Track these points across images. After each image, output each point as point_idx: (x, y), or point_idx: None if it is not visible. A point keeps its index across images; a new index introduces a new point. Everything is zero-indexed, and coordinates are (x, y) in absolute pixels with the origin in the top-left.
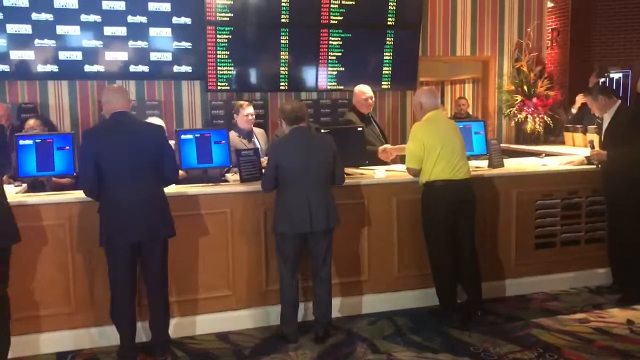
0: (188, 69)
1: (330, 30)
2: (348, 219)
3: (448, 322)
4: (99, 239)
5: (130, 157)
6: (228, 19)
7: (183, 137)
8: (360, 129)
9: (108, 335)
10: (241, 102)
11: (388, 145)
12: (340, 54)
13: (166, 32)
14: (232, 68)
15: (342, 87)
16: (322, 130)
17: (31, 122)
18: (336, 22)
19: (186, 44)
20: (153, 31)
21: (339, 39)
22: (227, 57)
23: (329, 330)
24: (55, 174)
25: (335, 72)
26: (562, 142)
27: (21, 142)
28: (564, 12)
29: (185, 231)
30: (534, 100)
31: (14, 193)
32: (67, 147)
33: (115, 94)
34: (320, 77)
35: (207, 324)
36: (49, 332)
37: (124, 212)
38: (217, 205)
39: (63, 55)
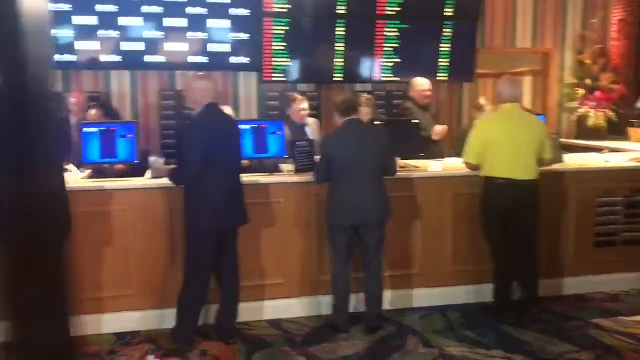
0: (245, 60)
1: (387, 22)
2: (401, 211)
3: (502, 319)
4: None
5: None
6: (285, 10)
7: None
8: (416, 121)
9: (165, 318)
10: (296, 95)
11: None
12: (396, 45)
13: (225, 23)
14: (288, 59)
15: (398, 79)
16: (376, 122)
17: (92, 112)
18: (393, 13)
19: (244, 36)
20: (212, 22)
21: (396, 30)
22: (283, 48)
23: (380, 322)
24: (118, 161)
25: (391, 64)
26: (627, 138)
27: (85, 129)
28: (632, 2)
29: None
30: (597, 94)
31: (80, 179)
32: (130, 135)
33: (203, 82)
34: (375, 68)
35: (260, 311)
36: (110, 313)
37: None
38: (271, 195)
39: (126, 45)
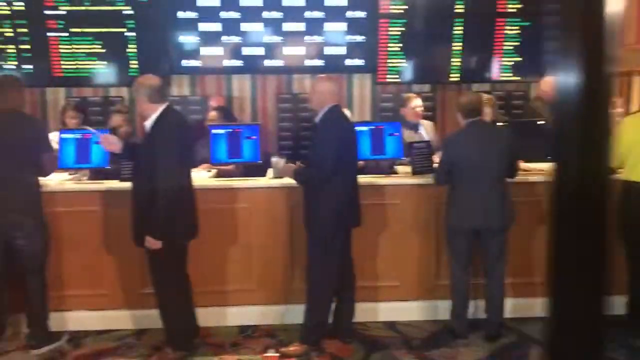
0: (360, 62)
1: (507, 19)
2: (524, 216)
3: (636, 332)
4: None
5: None
6: (402, 11)
7: (357, 129)
8: (541, 122)
9: (284, 314)
10: (408, 94)
11: None
12: (517, 43)
13: (341, 26)
14: (403, 60)
15: (518, 78)
16: (499, 123)
17: (212, 114)
18: (514, 10)
19: (359, 38)
20: (329, 25)
21: (517, 28)
22: (399, 49)
23: (501, 330)
24: (243, 161)
25: (511, 63)
26: None
27: (214, 131)
28: None
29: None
30: None
31: (207, 177)
32: (254, 137)
33: (328, 84)
34: (494, 68)
35: (375, 312)
36: (234, 306)
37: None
38: (388, 197)
39: (246, 50)
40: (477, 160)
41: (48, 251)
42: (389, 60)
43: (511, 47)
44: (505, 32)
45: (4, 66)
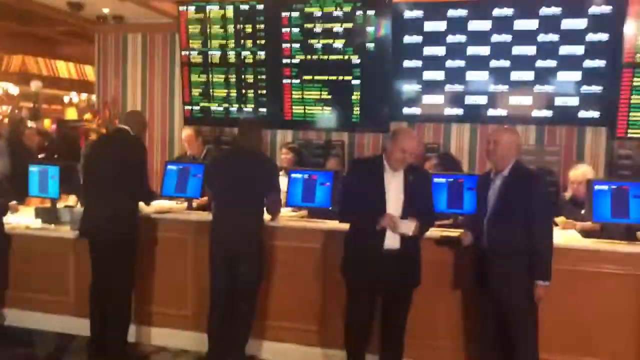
0: (595, 114)
1: None
2: None
3: None
4: None
5: None
6: None
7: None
8: None
9: None
10: None
11: None
12: None
13: (576, 75)
14: None
15: None
16: None
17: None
18: None
19: (596, 88)
20: (561, 75)
21: None
22: None
23: None
24: (463, 213)
25: None
26: None
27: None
28: None
29: None
30: None
31: None
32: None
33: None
34: None
35: None
36: None
37: None
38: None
39: (469, 99)
40: None
41: (262, 280)
42: (631, 113)
43: None
44: None
45: (244, 109)
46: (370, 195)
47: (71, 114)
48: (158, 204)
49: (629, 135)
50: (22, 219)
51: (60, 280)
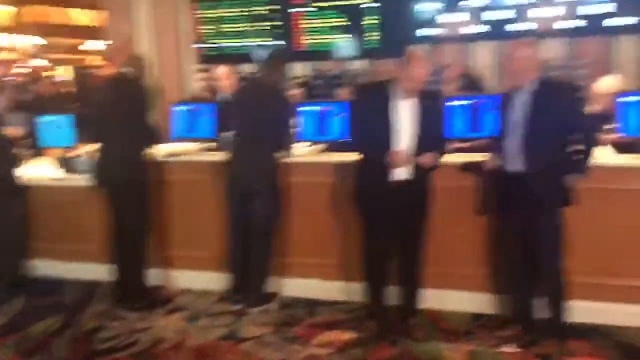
0: (629, 20)
1: None
2: None
3: None
4: None
5: None
6: None
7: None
8: None
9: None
10: None
11: None
12: None
13: None
14: None
15: None
16: None
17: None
18: None
19: None
20: None
21: None
22: None
23: None
24: (483, 136)
25: None
26: None
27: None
28: None
29: None
30: None
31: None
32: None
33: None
34: None
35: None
36: (466, 291)
37: None
38: None
39: (490, 15)
40: None
41: (279, 218)
42: None
43: None
44: None
45: (260, 43)
46: (378, 125)
47: (93, 61)
48: (172, 147)
49: None
50: (43, 169)
51: (84, 228)
